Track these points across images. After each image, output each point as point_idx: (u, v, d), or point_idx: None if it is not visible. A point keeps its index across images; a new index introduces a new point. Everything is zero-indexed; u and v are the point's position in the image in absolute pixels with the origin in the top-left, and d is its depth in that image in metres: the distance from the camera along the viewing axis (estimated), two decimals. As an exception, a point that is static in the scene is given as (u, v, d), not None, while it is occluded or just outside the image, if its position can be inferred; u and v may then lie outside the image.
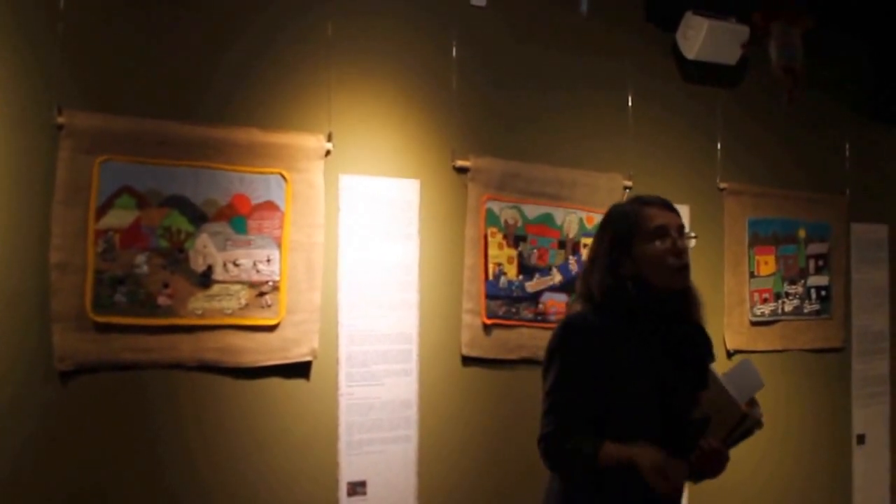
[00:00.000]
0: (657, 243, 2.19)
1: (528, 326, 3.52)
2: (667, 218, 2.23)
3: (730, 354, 4.18)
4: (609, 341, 2.17)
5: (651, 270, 2.19)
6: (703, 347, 2.29)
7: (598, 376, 2.14)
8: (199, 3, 3.01)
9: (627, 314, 2.19)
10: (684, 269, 2.22)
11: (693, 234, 2.31)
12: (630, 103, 3.93)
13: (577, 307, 2.28)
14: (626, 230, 2.22)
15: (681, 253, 2.21)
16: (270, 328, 3.01)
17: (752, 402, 2.20)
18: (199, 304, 2.90)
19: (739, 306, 4.22)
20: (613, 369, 2.15)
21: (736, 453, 4.13)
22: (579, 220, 3.70)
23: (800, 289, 4.44)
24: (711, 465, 2.19)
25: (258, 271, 3.00)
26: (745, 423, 2.16)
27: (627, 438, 2.10)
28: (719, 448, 2.16)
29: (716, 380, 2.18)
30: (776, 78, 3.34)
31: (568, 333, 2.22)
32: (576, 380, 2.15)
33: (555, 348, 2.22)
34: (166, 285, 2.85)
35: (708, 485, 3.99)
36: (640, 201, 2.30)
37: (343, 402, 3.14)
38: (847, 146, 4.69)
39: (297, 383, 3.09)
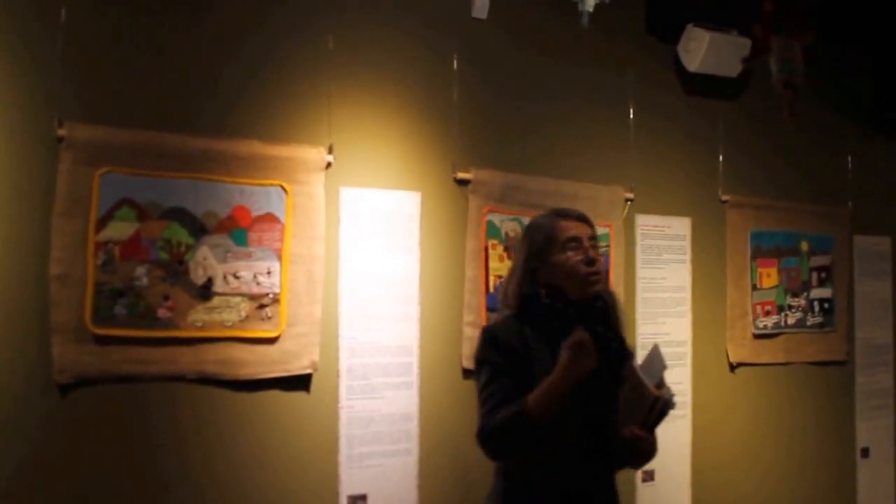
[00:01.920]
0: (570, 253, 2.34)
1: (529, 339, 3.50)
2: (579, 229, 2.39)
3: (733, 367, 4.17)
4: (526, 345, 2.31)
5: (565, 278, 2.34)
6: (616, 346, 2.39)
7: (520, 376, 2.28)
8: (200, 16, 3.02)
9: (543, 319, 2.33)
10: (595, 276, 2.35)
11: (604, 245, 2.44)
12: (631, 116, 3.93)
13: (500, 315, 2.46)
14: (541, 242, 2.38)
15: (592, 262, 2.34)
16: (271, 341, 3.00)
17: (661, 385, 2.32)
18: (199, 317, 2.89)
19: (742, 319, 4.20)
20: (532, 371, 2.28)
21: (739, 466, 4.14)
22: (581, 232, 3.69)
23: (803, 301, 4.43)
24: (640, 450, 2.31)
25: (258, 283, 2.99)
26: (658, 406, 2.26)
27: (549, 438, 2.24)
28: (641, 434, 2.28)
29: (632, 370, 2.31)
30: (777, 92, 3.33)
31: (487, 341, 2.37)
32: (501, 379, 2.29)
33: (478, 356, 2.40)
34: (166, 297, 2.85)
35: (714, 499, 3.99)
36: (556, 214, 2.46)
37: (343, 415, 3.13)
38: (849, 158, 4.69)
39: (297, 396, 3.08)
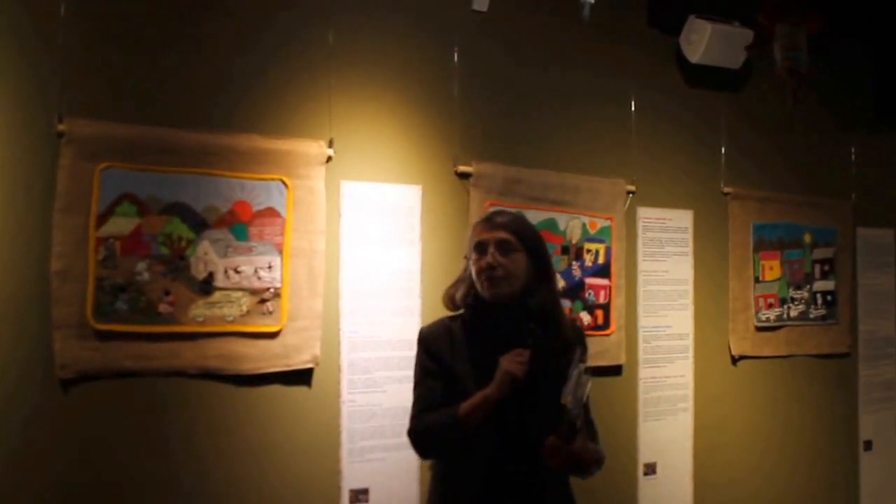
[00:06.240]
0: (475, 259, 2.43)
1: (530, 332, 3.50)
2: (486, 234, 2.43)
3: (735, 360, 4.16)
4: (452, 347, 2.42)
5: (476, 283, 2.43)
6: (533, 347, 2.39)
7: (445, 379, 2.40)
8: (200, 12, 3.01)
9: (472, 322, 2.44)
10: (492, 281, 2.39)
11: (512, 250, 2.43)
12: (633, 108, 3.92)
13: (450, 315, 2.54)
14: (468, 247, 2.50)
15: (491, 268, 2.39)
16: (272, 335, 3.00)
17: (584, 403, 2.30)
18: (201, 312, 2.90)
19: (744, 312, 4.20)
20: (456, 371, 2.39)
21: (741, 459, 4.14)
22: (582, 225, 3.69)
23: (805, 294, 4.42)
24: (554, 459, 2.27)
25: (259, 278, 2.99)
26: (567, 415, 2.23)
27: (473, 443, 2.32)
28: (554, 443, 2.26)
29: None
30: (781, 80, 3.31)
31: (420, 342, 2.49)
32: (428, 382, 2.43)
33: (416, 356, 2.49)
34: (167, 292, 2.85)
35: (716, 492, 3.99)
36: (479, 220, 2.55)
37: (345, 409, 3.13)
38: (852, 150, 4.68)
39: (298, 390, 3.08)
